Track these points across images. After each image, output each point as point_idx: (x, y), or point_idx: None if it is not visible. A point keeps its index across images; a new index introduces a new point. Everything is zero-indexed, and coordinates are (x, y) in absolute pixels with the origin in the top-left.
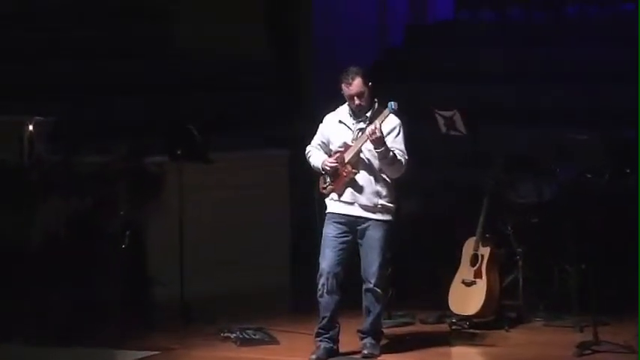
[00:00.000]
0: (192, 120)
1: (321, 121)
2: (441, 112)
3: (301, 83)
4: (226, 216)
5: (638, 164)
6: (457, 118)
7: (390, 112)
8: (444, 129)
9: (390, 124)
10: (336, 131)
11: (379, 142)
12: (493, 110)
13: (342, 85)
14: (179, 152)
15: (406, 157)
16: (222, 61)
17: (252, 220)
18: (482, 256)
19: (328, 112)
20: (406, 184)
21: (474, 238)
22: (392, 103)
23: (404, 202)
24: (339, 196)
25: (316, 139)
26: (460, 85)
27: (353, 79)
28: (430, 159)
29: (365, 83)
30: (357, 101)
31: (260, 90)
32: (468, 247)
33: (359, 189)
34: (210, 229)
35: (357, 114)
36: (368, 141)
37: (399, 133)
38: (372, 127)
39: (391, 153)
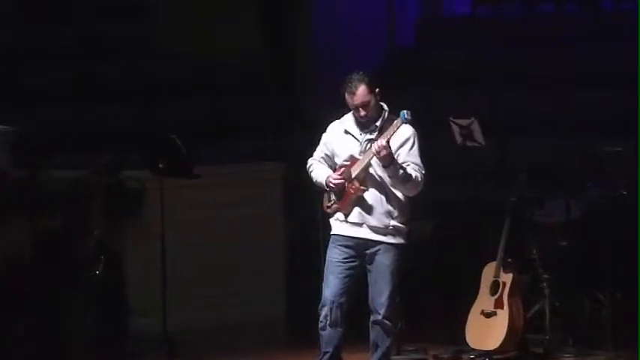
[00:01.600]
0: (175, 129)
1: (324, 131)
2: (456, 121)
3: (299, 88)
4: (214, 238)
5: (638, 174)
6: (475, 127)
7: (403, 122)
8: (459, 139)
9: (403, 134)
10: (341, 142)
11: (387, 159)
12: (516, 118)
13: (345, 94)
14: (161, 166)
15: (423, 172)
16: (209, 64)
17: (243, 242)
18: (504, 283)
19: (330, 120)
20: (418, 202)
21: (495, 262)
22: (404, 112)
23: (415, 223)
24: (346, 216)
25: (319, 151)
26: (479, 90)
27: (356, 88)
28: (445, 174)
29: (370, 91)
30: (362, 112)
31: (253, 95)
32: (488, 273)
33: (368, 208)
34: (196, 252)
35: (364, 123)
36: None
37: (413, 145)
38: (378, 143)
39: (401, 170)
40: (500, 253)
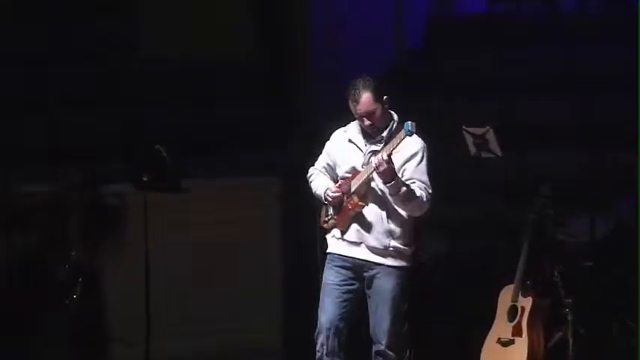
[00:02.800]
0: (160, 138)
1: (327, 139)
2: (470, 130)
3: (297, 93)
4: (204, 259)
5: (638, 185)
6: (491, 136)
7: (407, 135)
8: (473, 150)
9: (410, 148)
10: (344, 152)
11: (388, 175)
12: (537, 127)
13: (349, 102)
14: (145, 179)
15: (430, 191)
16: (198, 67)
17: (235, 264)
18: (523, 308)
19: (331, 129)
20: (429, 220)
21: (512, 285)
22: (408, 123)
23: (426, 242)
24: (343, 233)
25: (321, 160)
26: (495, 96)
27: (360, 96)
28: (457, 188)
29: (376, 99)
30: (366, 122)
31: (246, 102)
32: (505, 298)
33: (367, 226)
34: (183, 275)
35: (370, 133)
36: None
37: (421, 160)
38: (378, 157)
39: (404, 188)
40: (518, 275)
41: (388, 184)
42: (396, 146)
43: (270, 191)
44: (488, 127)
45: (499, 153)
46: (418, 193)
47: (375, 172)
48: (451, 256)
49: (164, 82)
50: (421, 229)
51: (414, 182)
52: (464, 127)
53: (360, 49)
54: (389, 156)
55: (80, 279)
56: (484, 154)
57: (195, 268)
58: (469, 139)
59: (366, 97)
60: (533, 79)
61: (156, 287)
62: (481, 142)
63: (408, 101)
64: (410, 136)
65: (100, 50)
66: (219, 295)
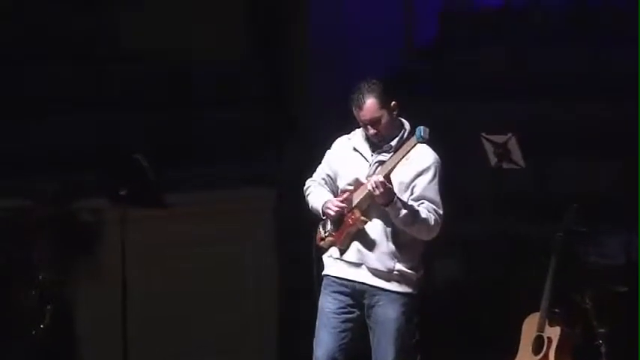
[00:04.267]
0: (141, 147)
1: (328, 147)
2: (490, 137)
3: (294, 97)
4: (189, 283)
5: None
6: (513, 145)
7: (419, 142)
8: (494, 160)
9: (422, 160)
10: (347, 162)
11: (385, 198)
12: (565, 135)
13: (353, 108)
14: (123, 193)
15: (440, 213)
16: (184, 68)
17: (224, 287)
18: (550, 339)
19: (331, 136)
20: (441, 239)
21: (538, 313)
22: (421, 128)
23: (440, 264)
24: (342, 253)
25: (320, 171)
26: (517, 99)
27: (364, 101)
28: (474, 203)
29: (383, 105)
30: (371, 130)
31: (237, 106)
32: (530, 327)
33: (369, 245)
34: (166, 300)
35: (377, 142)
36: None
37: (434, 177)
38: (374, 179)
39: (404, 211)
40: (544, 302)
41: (387, 207)
42: (406, 154)
43: (264, 205)
44: (510, 135)
45: (522, 164)
46: (424, 215)
47: (371, 193)
48: (467, 280)
49: (144, 84)
50: (432, 250)
51: (422, 202)
52: (483, 134)
53: (364, 48)
54: (386, 177)
55: (49, 306)
56: (505, 165)
57: (178, 293)
58: (489, 148)
59: (370, 103)
60: (558, 80)
61: (134, 314)
62: (502, 152)
63: (418, 106)
64: (422, 142)
65: (75, 48)
66: (204, 323)
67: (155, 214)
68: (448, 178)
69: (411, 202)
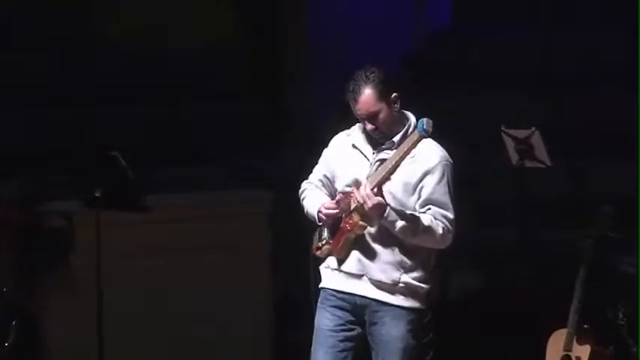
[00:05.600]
0: (118, 144)
1: (326, 145)
2: (511, 132)
3: (290, 89)
4: (172, 296)
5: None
6: (537, 140)
7: (422, 136)
8: (515, 158)
9: (429, 157)
10: (345, 161)
11: (377, 211)
12: (592, 129)
13: (349, 101)
14: (98, 195)
15: (451, 218)
16: (166, 58)
17: (211, 302)
18: (579, 358)
19: (332, 132)
20: (456, 246)
21: (565, 330)
22: (423, 120)
23: (456, 275)
24: (340, 263)
25: (317, 172)
26: (542, 89)
27: (360, 93)
28: (494, 207)
29: (381, 97)
30: (369, 125)
31: (226, 99)
32: (556, 345)
33: (370, 254)
34: (146, 316)
35: (378, 138)
36: (391, 176)
37: (442, 177)
38: (361, 192)
39: (402, 223)
40: (572, 317)
41: (382, 222)
42: (408, 151)
43: (257, 209)
44: (533, 129)
45: (548, 162)
46: (428, 224)
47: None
48: (485, 291)
49: (123, 76)
50: (448, 260)
51: (429, 208)
52: (503, 128)
53: (369, 30)
54: (378, 186)
55: (14, 322)
56: (528, 164)
57: (159, 307)
58: (510, 144)
59: (367, 96)
60: (588, 68)
61: (111, 330)
62: (525, 148)
63: (430, 96)
64: (426, 137)
65: (47, 38)
66: (190, 342)
67: (134, 219)
68: (465, 178)
69: (416, 208)
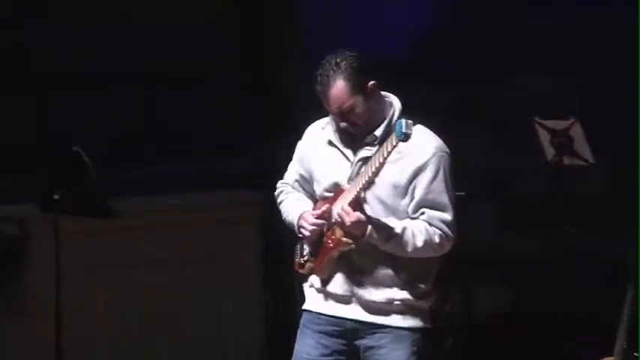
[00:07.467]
0: (81, 137)
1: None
2: (546, 123)
3: (283, 76)
4: (146, 316)
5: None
6: (577, 133)
7: (400, 140)
8: (551, 154)
9: (418, 154)
10: (322, 160)
11: (358, 229)
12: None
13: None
14: (57, 197)
15: (448, 220)
16: (136, 36)
17: (191, 325)
18: None
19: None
20: (482, 255)
21: (611, 359)
22: (402, 122)
23: (483, 290)
24: (325, 283)
25: (292, 171)
26: (578, 72)
27: (329, 85)
28: (524, 210)
29: (355, 89)
30: (342, 123)
31: (209, 87)
32: None
33: (359, 271)
34: (111, 339)
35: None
36: (376, 178)
37: (436, 174)
38: (340, 210)
39: (389, 241)
40: (619, 343)
41: (366, 239)
42: (387, 156)
43: (246, 213)
44: (573, 120)
45: (590, 158)
46: (423, 234)
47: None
48: (514, 310)
49: (86, 57)
50: (469, 274)
51: (422, 212)
52: (536, 118)
53: (373, 9)
54: (356, 201)
55: None
56: (567, 161)
57: (129, 329)
58: (544, 137)
59: (337, 89)
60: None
61: (72, 355)
62: (562, 142)
63: (449, 80)
64: (404, 141)
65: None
66: None
67: (99, 226)
68: (491, 178)
69: (408, 212)
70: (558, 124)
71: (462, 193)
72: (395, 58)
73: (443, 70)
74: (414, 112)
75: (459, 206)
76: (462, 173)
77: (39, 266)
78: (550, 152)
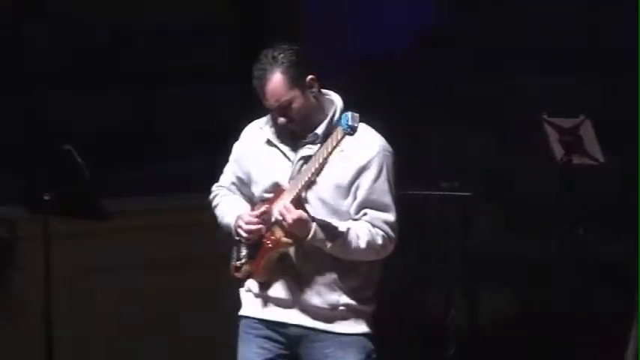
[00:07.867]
0: (73, 136)
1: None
2: (554, 121)
3: None
4: (138, 321)
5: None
6: (587, 131)
7: (346, 133)
8: (560, 154)
9: (361, 153)
10: (261, 161)
11: (300, 229)
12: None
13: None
14: (47, 198)
15: (391, 220)
16: (141, 36)
17: (187, 329)
18: None
19: None
20: (486, 261)
21: None
22: (348, 115)
23: (487, 294)
24: (262, 287)
25: (228, 173)
26: (591, 70)
27: (266, 79)
28: (530, 212)
29: (294, 82)
30: (280, 119)
31: (206, 84)
32: None
33: (300, 274)
34: (103, 345)
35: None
36: (317, 178)
37: (379, 173)
38: (281, 207)
39: (333, 242)
40: (632, 346)
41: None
42: (332, 151)
43: None
44: (583, 117)
45: (600, 157)
46: (366, 235)
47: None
48: (521, 316)
49: (86, 57)
50: (475, 276)
51: (365, 213)
52: (544, 116)
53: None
54: (297, 199)
55: None
56: (577, 160)
57: (122, 334)
58: (553, 136)
59: (275, 82)
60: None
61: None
62: (572, 141)
63: (452, 78)
64: (351, 134)
65: None
66: None
67: (91, 228)
68: (495, 178)
69: (351, 212)
70: (566, 122)
71: (468, 194)
72: (395, 58)
73: (443, 70)
74: (414, 112)
75: (465, 207)
76: (462, 173)
77: (29, 269)
78: (559, 151)
